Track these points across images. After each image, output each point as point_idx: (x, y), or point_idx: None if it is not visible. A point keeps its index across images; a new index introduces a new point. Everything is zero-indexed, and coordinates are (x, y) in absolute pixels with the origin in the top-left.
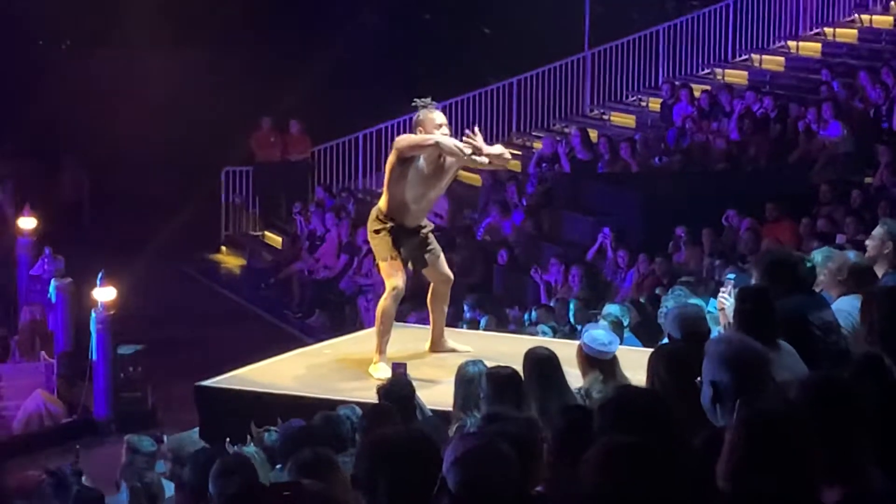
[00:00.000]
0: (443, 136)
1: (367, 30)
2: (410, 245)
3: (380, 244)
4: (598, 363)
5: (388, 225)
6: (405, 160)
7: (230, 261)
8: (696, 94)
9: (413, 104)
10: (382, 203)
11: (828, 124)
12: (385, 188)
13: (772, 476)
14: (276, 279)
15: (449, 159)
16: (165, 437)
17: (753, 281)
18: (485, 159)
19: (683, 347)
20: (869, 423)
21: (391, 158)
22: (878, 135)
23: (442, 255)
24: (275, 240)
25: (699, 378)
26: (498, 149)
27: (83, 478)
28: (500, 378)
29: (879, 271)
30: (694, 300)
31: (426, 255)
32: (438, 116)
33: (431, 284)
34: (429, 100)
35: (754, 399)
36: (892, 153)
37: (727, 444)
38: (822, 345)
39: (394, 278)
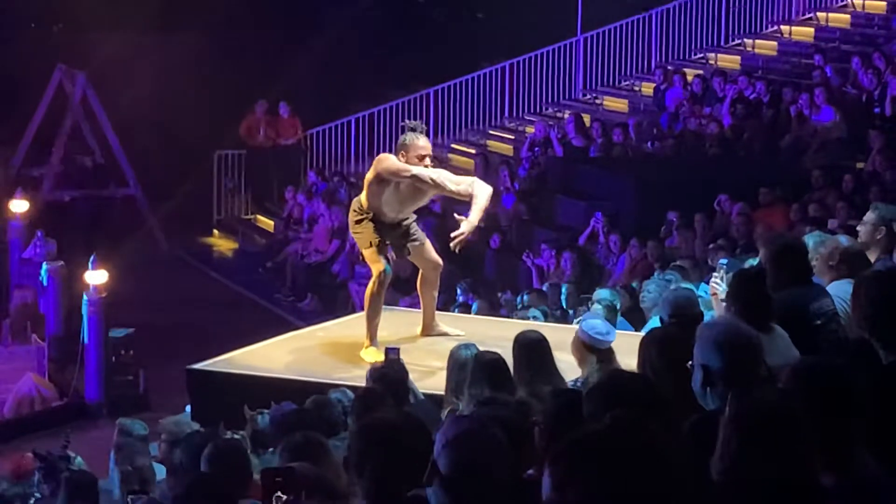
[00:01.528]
0: (422, 168)
1: (361, 13)
2: (392, 235)
3: (362, 232)
4: (596, 352)
5: (370, 214)
6: (383, 180)
7: (222, 244)
8: (689, 78)
9: (402, 125)
10: (363, 198)
11: (820, 109)
12: (364, 193)
13: (769, 467)
14: (273, 262)
15: None
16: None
17: (754, 264)
18: (455, 188)
19: (675, 331)
20: (859, 409)
21: (370, 175)
22: (870, 120)
23: (427, 242)
24: (267, 223)
25: (690, 362)
26: (479, 208)
27: (77, 460)
28: (485, 363)
29: (872, 257)
30: (685, 285)
31: (409, 245)
32: (423, 143)
33: (420, 270)
34: (418, 122)
35: (746, 390)
36: (884, 138)
37: (721, 438)
38: (823, 334)
39: (379, 263)
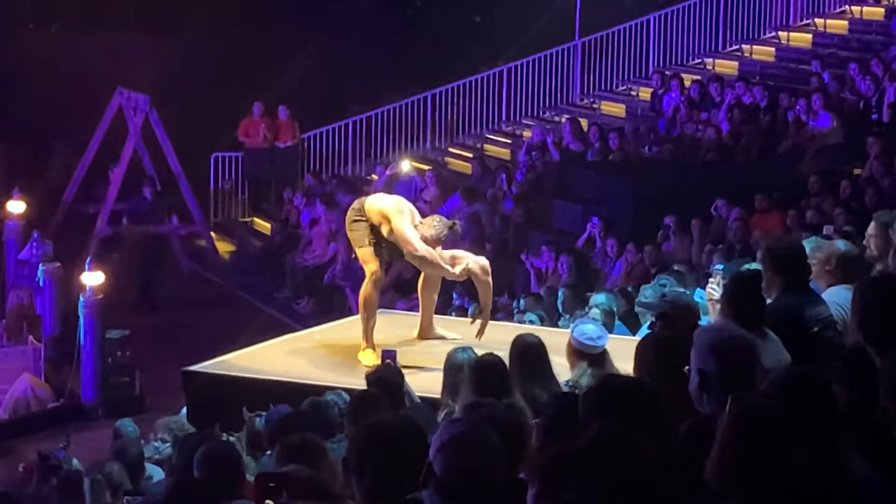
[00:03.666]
0: (428, 251)
1: (359, 17)
2: (388, 240)
3: (358, 231)
4: (587, 357)
5: (369, 221)
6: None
7: (219, 246)
8: (687, 83)
9: (454, 219)
10: (369, 207)
11: (817, 115)
12: (373, 209)
13: (764, 469)
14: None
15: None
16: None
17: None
18: (455, 272)
19: (671, 336)
20: (855, 414)
21: (385, 210)
22: (867, 126)
23: None
24: (264, 226)
25: (687, 367)
26: (487, 290)
27: (73, 462)
28: (485, 366)
29: (880, 266)
30: (680, 289)
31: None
32: (435, 234)
33: (423, 272)
34: (458, 231)
35: (746, 392)
36: (881, 145)
37: (718, 440)
38: (820, 340)
39: (372, 264)
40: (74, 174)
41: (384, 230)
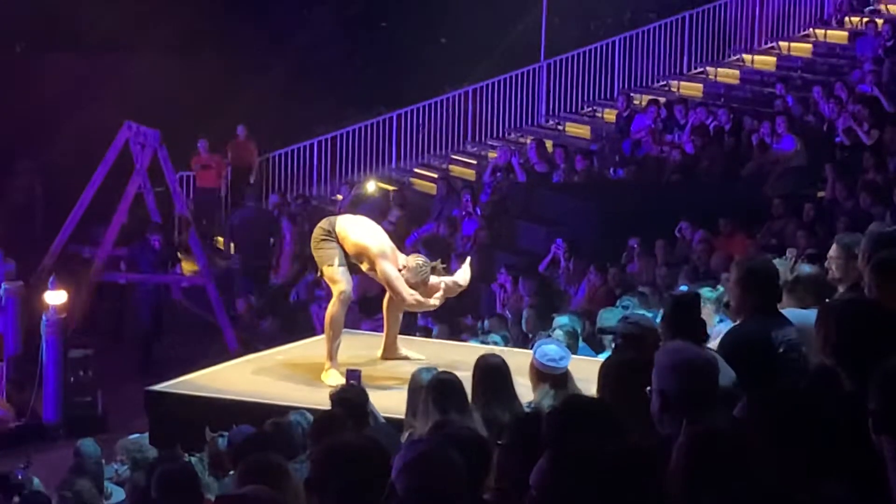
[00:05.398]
0: (411, 294)
1: (325, 37)
2: (363, 271)
3: (326, 250)
4: (549, 378)
5: (339, 242)
6: (371, 263)
7: (183, 266)
8: (651, 105)
9: (436, 261)
10: (340, 229)
11: (781, 138)
12: (348, 235)
13: (716, 492)
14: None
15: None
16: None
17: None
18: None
19: (633, 358)
20: (827, 435)
21: (365, 250)
22: (830, 149)
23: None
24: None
25: (649, 388)
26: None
27: (35, 482)
28: (443, 384)
29: (842, 288)
30: (642, 311)
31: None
32: (415, 280)
33: (388, 292)
34: (438, 264)
35: (700, 417)
36: (844, 168)
37: (672, 463)
38: (783, 361)
39: (340, 283)
40: (70, 215)
41: (364, 266)
